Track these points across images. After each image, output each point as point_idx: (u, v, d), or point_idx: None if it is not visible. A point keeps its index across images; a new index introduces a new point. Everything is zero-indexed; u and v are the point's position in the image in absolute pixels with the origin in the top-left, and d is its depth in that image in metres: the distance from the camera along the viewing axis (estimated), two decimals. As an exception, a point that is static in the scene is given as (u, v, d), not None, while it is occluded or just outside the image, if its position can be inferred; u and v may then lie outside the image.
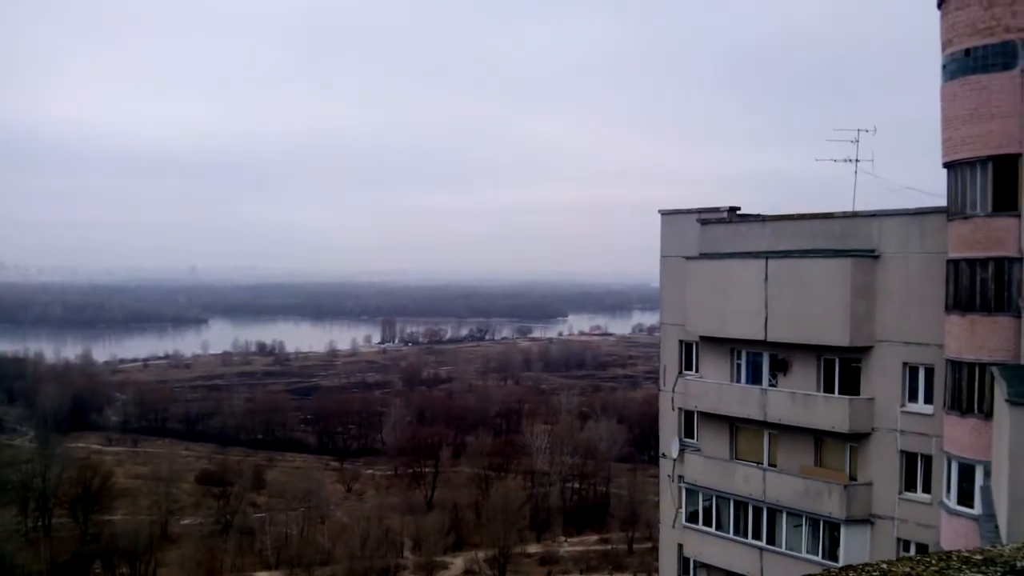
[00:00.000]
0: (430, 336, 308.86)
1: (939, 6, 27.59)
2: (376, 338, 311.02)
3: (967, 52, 26.48)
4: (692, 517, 37.81)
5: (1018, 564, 2.36)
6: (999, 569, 2.41)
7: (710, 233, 37.12)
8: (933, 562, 2.48)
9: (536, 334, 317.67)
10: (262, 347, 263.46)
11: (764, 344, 34.46)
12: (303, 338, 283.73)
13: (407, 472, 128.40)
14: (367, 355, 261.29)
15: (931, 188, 31.10)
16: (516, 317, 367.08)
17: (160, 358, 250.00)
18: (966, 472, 26.47)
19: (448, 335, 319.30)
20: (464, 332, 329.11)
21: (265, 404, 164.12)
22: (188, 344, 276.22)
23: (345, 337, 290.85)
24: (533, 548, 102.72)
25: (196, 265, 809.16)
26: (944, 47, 27.36)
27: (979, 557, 2.50)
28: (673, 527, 39.21)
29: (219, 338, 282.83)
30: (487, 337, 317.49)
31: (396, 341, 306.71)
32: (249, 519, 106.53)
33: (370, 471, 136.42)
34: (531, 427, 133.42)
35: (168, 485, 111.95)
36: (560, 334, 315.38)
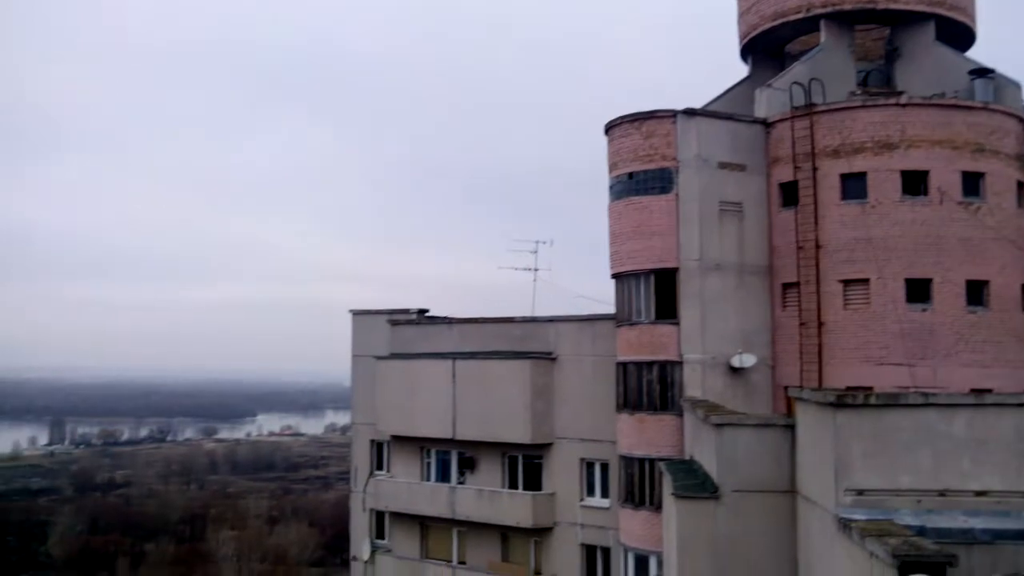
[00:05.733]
0: (105, 437, 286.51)
1: (606, 133, 30.39)
2: (43, 439, 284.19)
3: (630, 175, 29.28)
4: (382, 620, 37.50)
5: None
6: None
7: (400, 334, 37.91)
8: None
9: (223, 435, 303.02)
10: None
11: (453, 443, 35.34)
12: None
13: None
14: (31, 458, 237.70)
15: (604, 296, 33.64)
16: (200, 417, 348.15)
17: None
18: (641, 563, 28.27)
19: (125, 436, 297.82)
20: (143, 433, 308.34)
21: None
22: None
23: (5, 439, 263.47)
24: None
25: None
26: (611, 170, 30.07)
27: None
28: (363, 632, 38.65)
29: None
30: (169, 438, 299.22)
31: (66, 443, 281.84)
32: None
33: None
34: (216, 533, 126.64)
35: None
36: (248, 434, 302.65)
